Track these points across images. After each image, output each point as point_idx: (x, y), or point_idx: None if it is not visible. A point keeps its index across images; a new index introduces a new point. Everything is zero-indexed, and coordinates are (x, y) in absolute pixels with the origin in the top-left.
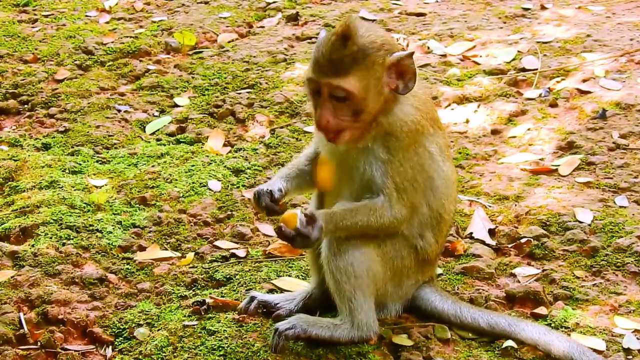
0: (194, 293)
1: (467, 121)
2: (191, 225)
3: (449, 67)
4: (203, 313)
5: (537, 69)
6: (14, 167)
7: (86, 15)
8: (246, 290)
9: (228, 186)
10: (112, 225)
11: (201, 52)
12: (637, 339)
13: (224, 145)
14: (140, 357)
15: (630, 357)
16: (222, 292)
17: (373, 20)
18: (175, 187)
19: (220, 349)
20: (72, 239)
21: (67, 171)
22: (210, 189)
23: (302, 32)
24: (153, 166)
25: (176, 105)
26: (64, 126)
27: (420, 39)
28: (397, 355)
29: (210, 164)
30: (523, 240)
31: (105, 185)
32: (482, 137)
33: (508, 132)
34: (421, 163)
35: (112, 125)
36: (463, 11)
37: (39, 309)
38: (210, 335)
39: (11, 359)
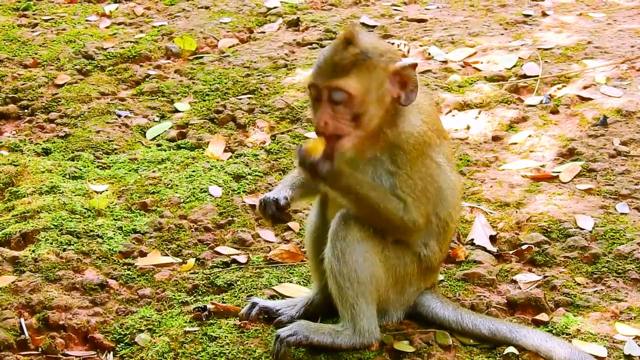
0: (195, 299)
1: (468, 127)
2: (192, 231)
3: (450, 74)
4: (204, 319)
5: (538, 76)
6: (14, 172)
7: (86, 20)
8: (247, 296)
9: (229, 192)
10: (113, 231)
11: (202, 57)
12: (639, 345)
13: (225, 150)
14: None
15: None
16: (223, 298)
17: (374, 26)
18: (176, 192)
19: (222, 355)
20: (73, 244)
21: (67, 176)
22: (211, 195)
23: (303, 37)
24: (154, 172)
25: (177, 111)
26: (64, 131)
27: (421, 45)
28: None
29: (211, 169)
30: (524, 247)
31: (106, 190)
32: (483, 144)
33: (509, 139)
34: (430, 174)
35: (113, 130)
36: (464, 17)
37: (39, 314)
38: (211, 341)
39: None
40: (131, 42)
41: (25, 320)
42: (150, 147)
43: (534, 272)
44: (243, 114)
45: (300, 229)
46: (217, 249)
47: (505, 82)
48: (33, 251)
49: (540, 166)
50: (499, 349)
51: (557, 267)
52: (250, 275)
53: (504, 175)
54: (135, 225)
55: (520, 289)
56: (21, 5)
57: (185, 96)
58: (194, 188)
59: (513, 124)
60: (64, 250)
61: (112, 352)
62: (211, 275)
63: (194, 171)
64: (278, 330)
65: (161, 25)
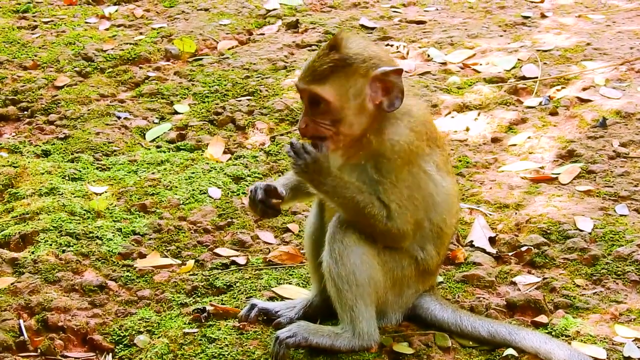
0: (194, 300)
1: (467, 129)
2: (191, 233)
3: (449, 75)
4: (203, 320)
5: (537, 77)
6: (13, 173)
7: (86, 22)
8: (246, 297)
9: (228, 193)
10: (112, 233)
11: (201, 59)
12: (638, 347)
13: (224, 152)
14: None
15: None
16: (222, 300)
17: (373, 28)
18: (176, 194)
19: (221, 356)
20: (72, 245)
21: (67, 178)
22: (210, 196)
23: (302, 39)
24: (153, 173)
25: (176, 113)
26: (64, 133)
27: (420, 47)
28: None
29: (211, 171)
30: (523, 249)
31: (105, 192)
32: (482, 145)
33: (508, 140)
34: (417, 183)
35: (112, 132)
36: (463, 19)
37: (38, 316)
38: (210, 342)
39: None
40: (131, 44)
41: (24, 321)
42: (149, 149)
43: (533, 273)
44: (242, 115)
45: (299, 231)
46: (217, 250)
47: (504, 83)
48: (32, 252)
49: (540, 168)
50: (498, 351)
51: (557, 269)
52: (250, 277)
53: (503, 176)
54: (134, 226)
55: (520, 290)
56: (21, 8)
57: (185, 98)
58: (193, 190)
59: (512, 126)
60: (64, 251)
61: (111, 354)
62: (210, 276)
63: (193, 173)
64: (277, 331)
65: (160, 27)
